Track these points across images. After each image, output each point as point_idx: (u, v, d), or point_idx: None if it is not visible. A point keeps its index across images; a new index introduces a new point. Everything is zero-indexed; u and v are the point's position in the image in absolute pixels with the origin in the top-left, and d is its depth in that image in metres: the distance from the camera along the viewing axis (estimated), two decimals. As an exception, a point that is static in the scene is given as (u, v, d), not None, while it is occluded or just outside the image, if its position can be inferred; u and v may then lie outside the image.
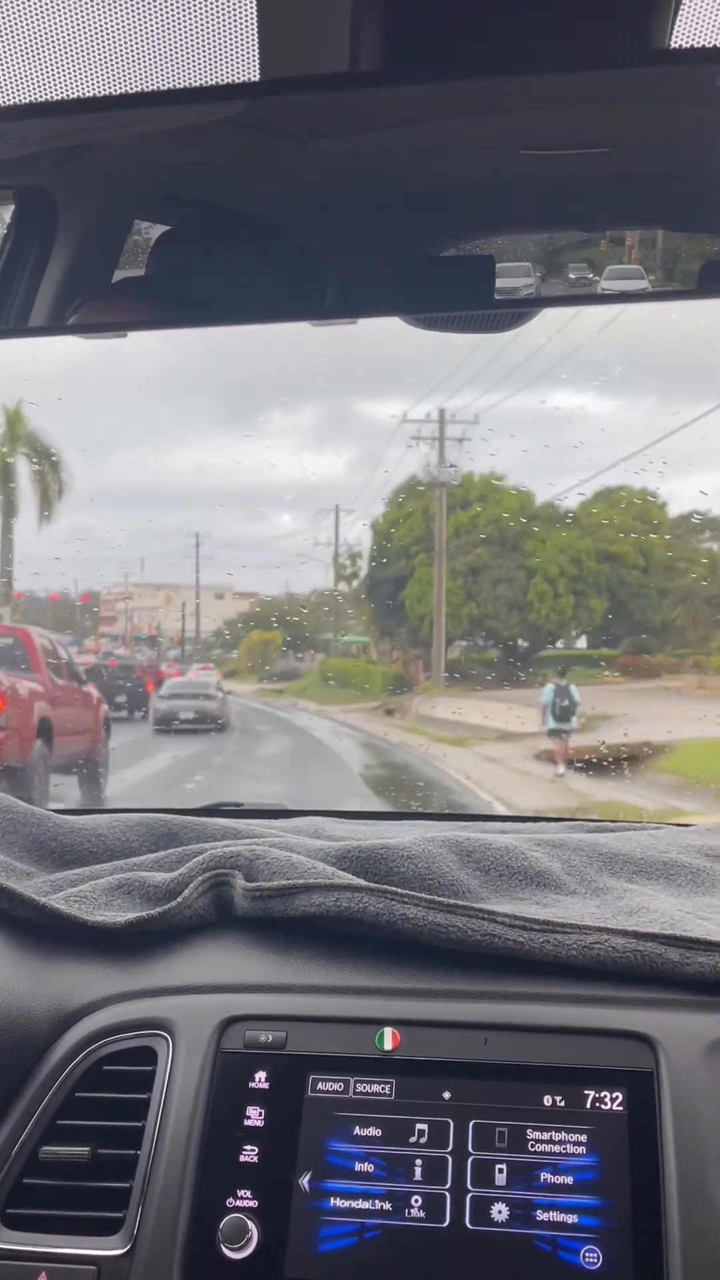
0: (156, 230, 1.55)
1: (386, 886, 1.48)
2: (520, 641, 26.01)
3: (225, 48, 1.08)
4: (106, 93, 1.16)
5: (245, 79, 1.10)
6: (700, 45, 1.14)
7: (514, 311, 1.52)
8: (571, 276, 1.57)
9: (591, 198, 1.65)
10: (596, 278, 1.55)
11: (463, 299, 1.43)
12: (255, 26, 1.05)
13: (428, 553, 26.56)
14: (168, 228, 1.56)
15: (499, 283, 1.42)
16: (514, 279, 1.48)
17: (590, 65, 1.06)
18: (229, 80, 1.11)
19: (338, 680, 28.55)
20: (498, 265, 1.44)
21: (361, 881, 1.51)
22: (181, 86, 1.12)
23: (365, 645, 30.01)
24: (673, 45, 1.09)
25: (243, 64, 1.09)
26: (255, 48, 1.07)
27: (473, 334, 1.70)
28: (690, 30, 1.09)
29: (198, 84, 1.12)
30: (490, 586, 25.51)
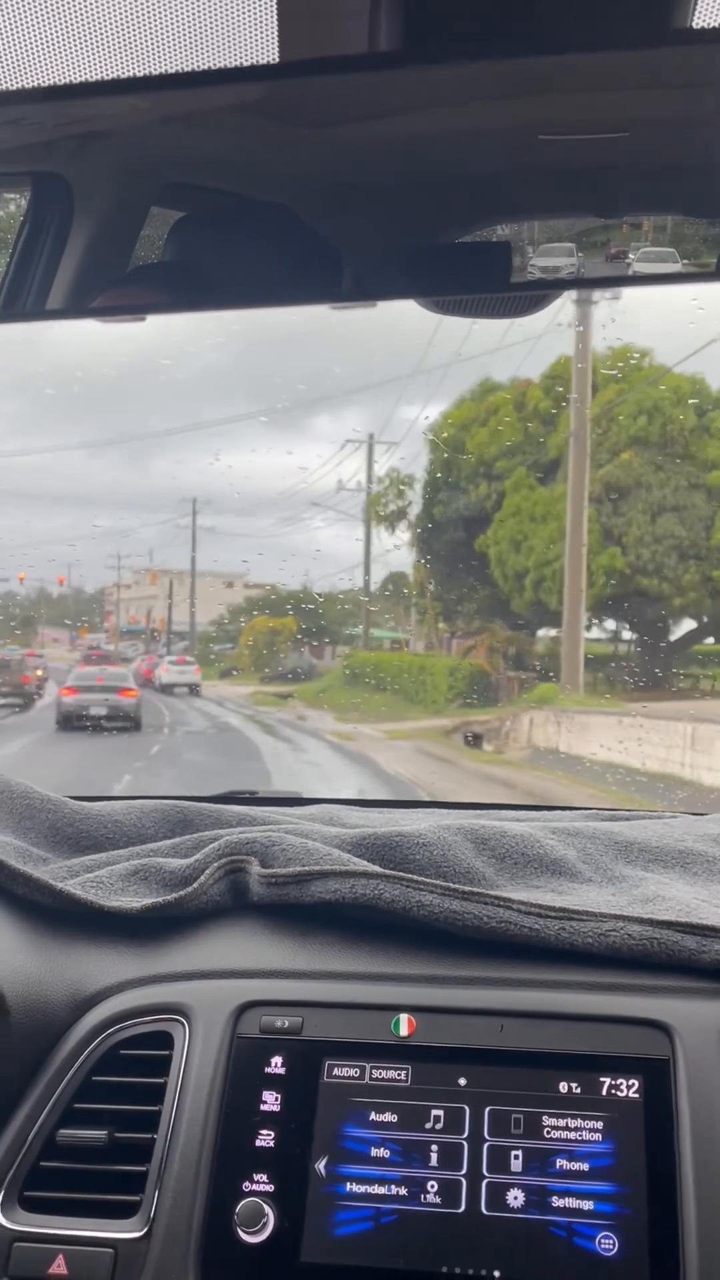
0: (173, 215, 1.55)
1: (402, 874, 1.48)
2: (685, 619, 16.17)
3: (245, 29, 1.07)
4: (124, 75, 1.15)
5: (265, 61, 1.10)
6: (721, 25, 1.13)
7: (533, 295, 1.51)
8: (593, 261, 1.56)
9: (609, 183, 1.64)
10: (623, 259, 1.54)
11: (481, 283, 1.42)
12: (275, 7, 1.05)
13: (534, 468, 17.20)
14: (184, 213, 1.56)
15: (518, 266, 1.42)
16: (538, 263, 1.47)
17: (609, 45, 1.05)
18: (248, 63, 1.11)
19: (373, 680, 20.12)
20: (516, 249, 1.43)
21: (377, 868, 1.51)
22: (200, 69, 1.12)
23: (403, 641, 22.74)
24: (694, 25, 1.08)
25: (262, 46, 1.09)
26: (275, 29, 1.06)
27: (491, 319, 1.69)
28: (712, 9, 1.08)
29: (216, 66, 1.12)
30: (646, 519, 15.89)
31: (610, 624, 18.06)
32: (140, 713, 19.66)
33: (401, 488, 20.44)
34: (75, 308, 1.59)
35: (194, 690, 24.39)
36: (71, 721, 18.96)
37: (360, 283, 1.51)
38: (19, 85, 1.26)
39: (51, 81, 1.25)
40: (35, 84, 1.26)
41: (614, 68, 1.21)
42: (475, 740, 14.96)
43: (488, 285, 1.43)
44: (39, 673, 23.58)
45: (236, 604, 27.79)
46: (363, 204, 1.48)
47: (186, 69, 1.14)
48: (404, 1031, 1.33)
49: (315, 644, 24.73)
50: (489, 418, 18.36)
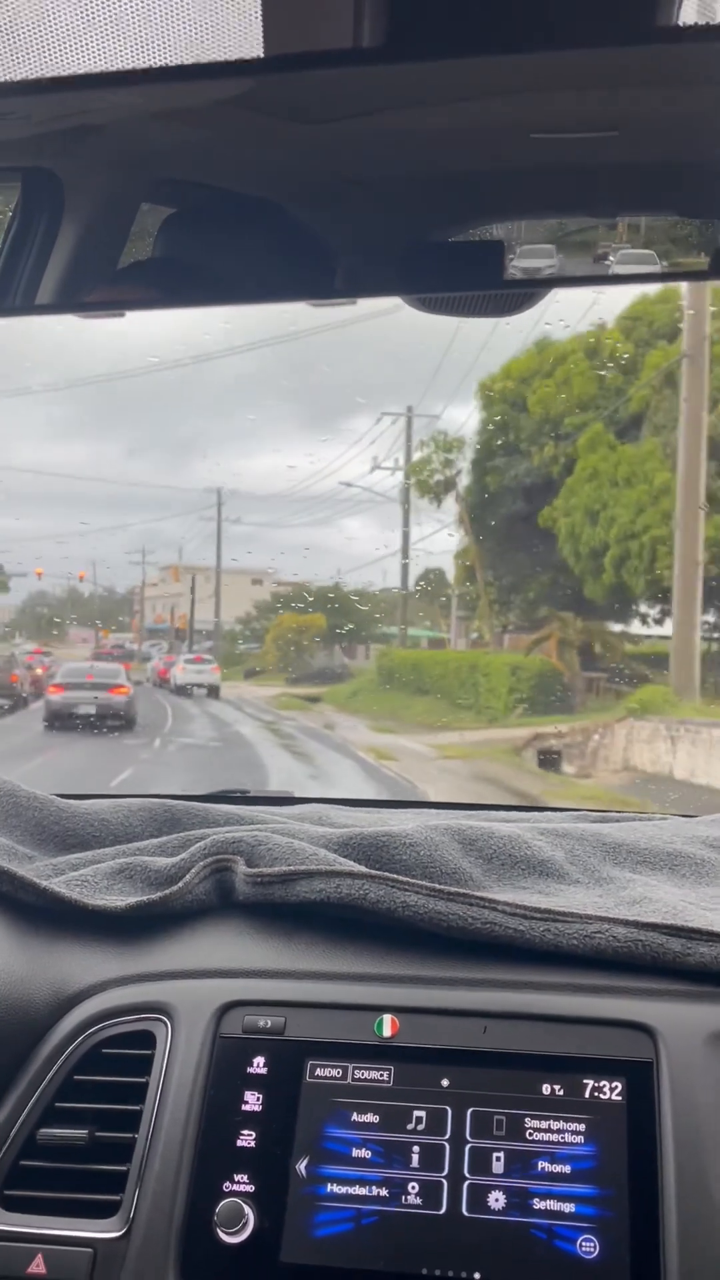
0: (163, 211, 1.55)
1: (387, 874, 1.48)
2: None
3: (230, 24, 1.07)
4: (112, 69, 1.15)
5: (250, 56, 1.10)
6: (708, 23, 1.12)
7: (520, 293, 1.51)
8: (581, 259, 1.56)
9: (599, 182, 1.63)
10: (606, 259, 1.54)
11: (467, 280, 1.42)
12: (259, 2, 1.05)
13: (612, 423, 14.10)
14: (174, 209, 1.56)
15: (507, 264, 1.42)
16: (522, 262, 1.47)
17: (596, 42, 1.04)
18: (234, 57, 1.11)
19: (412, 681, 17.29)
20: (504, 246, 1.43)
21: (362, 869, 1.51)
22: (187, 63, 1.12)
23: (444, 640, 20.11)
24: (680, 23, 1.08)
25: (247, 40, 1.09)
26: (259, 23, 1.06)
27: (477, 318, 1.69)
28: (696, 7, 1.08)
29: (203, 61, 1.12)
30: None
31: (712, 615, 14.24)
32: (133, 711, 18.62)
33: (448, 454, 17.45)
34: (65, 302, 1.58)
35: (212, 692, 22.36)
36: (59, 720, 18.08)
37: (350, 280, 1.50)
38: (6, 78, 1.25)
39: (39, 75, 1.24)
40: (23, 76, 1.26)
41: (602, 65, 1.20)
42: (552, 760, 11.81)
43: (477, 283, 1.43)
44: (39, 671, 22.43)
45: (264, 601, 25.88)
46: (352, 201, 1.47)
47: (174, 63, 1.14)
48: (387, 1032, 1.32)
49: (346, 643, 22.59)
50: (555, 367, 15.47)
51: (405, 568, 19.88)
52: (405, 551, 19.71)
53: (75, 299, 1.59)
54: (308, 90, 1.16)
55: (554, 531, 15.09)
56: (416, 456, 17.89)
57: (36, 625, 28.01)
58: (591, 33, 1.03)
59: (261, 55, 1.09)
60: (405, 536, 19.35)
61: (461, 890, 1.45)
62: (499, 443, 16.51)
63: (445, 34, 1.04)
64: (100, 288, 1.60)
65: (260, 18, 1.05)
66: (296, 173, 1.41)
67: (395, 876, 1.47)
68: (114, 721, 17.98)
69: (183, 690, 22.39)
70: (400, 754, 13.62)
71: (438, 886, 1.45)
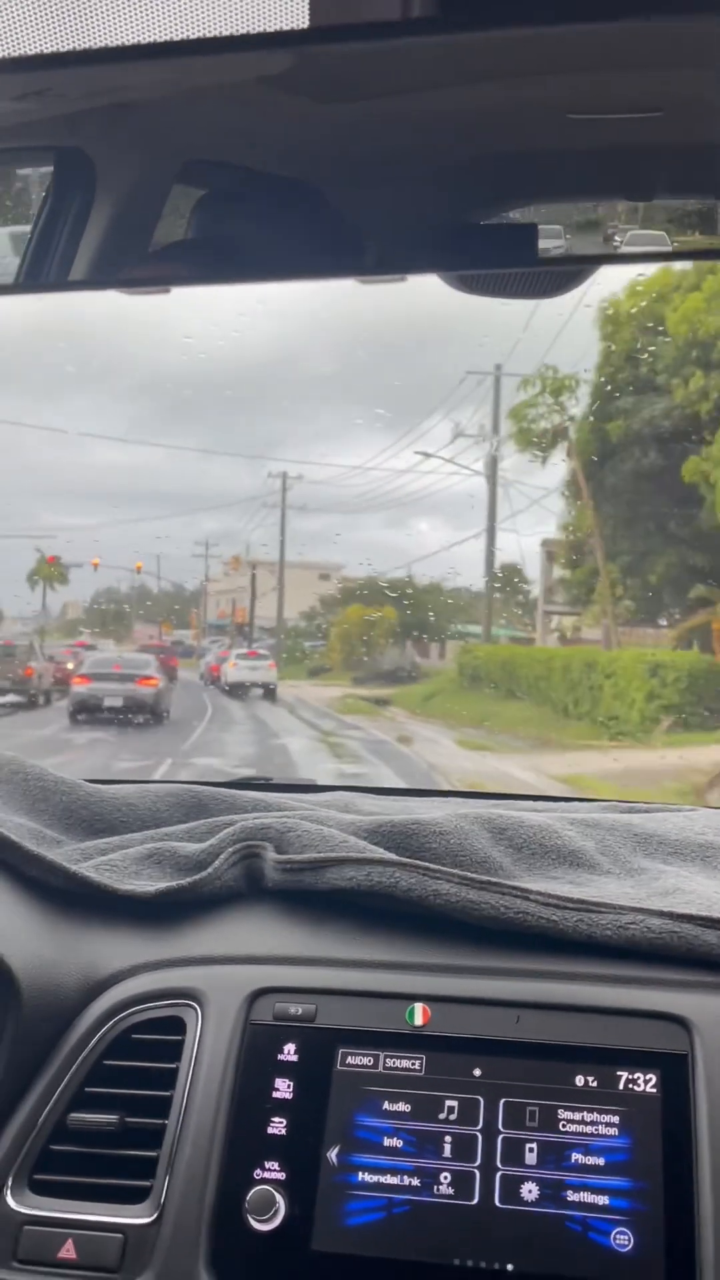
0: (198, 189, 1.53)
1: (418, 861, 1.47)
2: None
3: (274, -8, 1.05)
4: (148, 40, 1.13)
5: (294, 27, 1.08)
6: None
7: (562, 273, 1.49)
8: (621, 239, 1.54)
9: (640, 164, 1.61)
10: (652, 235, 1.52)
11: (506, 259, 1.40)
12: (306, -31, 1.03)
13: None
14: (207, 190, 1.54)
15: (544, 244, 1.40)
16: (561, 241, 1.45)
17: (646, 13, 1.02)
18: (277, 28, 1.08)
19: (501, 683, 14.07)
20: (543, 228, 1.41)
21: (393, 856, 1.50)
22: (228, 34, 1.10)
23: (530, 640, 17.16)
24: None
25: (293, 11, 1.07)
26: (305, -10, 1.04)
27: (519, 299, 1.67)
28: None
29: (245, 32, 1.10)
30: None
31: None
32: (163, 704, 17.54)
33: (558, 396, 13.34)
34: (99, 279, 1.57)
35: (268, 693, 19.92)
36: (84, 712, 17.27)
37: (385, 258, 1.49)
38: (38, 51, 1.23)
39: (75, 47, 1.22)
40: (56, 49, 1.24)
41: (648, 43, 1.18)
42: None
43: (516, 261, 1.41)
44: (69, 666, 20.73)
45: (331, 595, 23.70)
46: (389, 180, 1.46)
47: (214, 34, 1.12)
48: (419, 1021, 1.31)
49: (419, 638, 19.77)
50: (703, 278, 11.84)
51: (491, 550, 16.52)
52: (492, 533, 16.42)
53: (109, 275, 1.58)
54: (350, 64, 1.14)
55: (698, 490, 11.46)
56: (519, 399, 14.32)
57: (103, 621, 27.33)
58: (642, 3, 1.01)
59: (306, 26, 1.07)
60: (492, 510, 15.86)
61: (494, 879, 1.44)
62: (624, 378, 12.73)
63: (495, 5, 1.03)
64: (135, 265, 1.58)
65: (307, -15, 1.04)
66: (334, 151, 1.40)
67: (427, 864, 1.45)
68: (141, 714, 17.16)
69: (235, 690, 20.19)
70: (510, 788, 10.24)
71: (470, 875, 1.44)
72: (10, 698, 19.41)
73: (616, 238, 1.60)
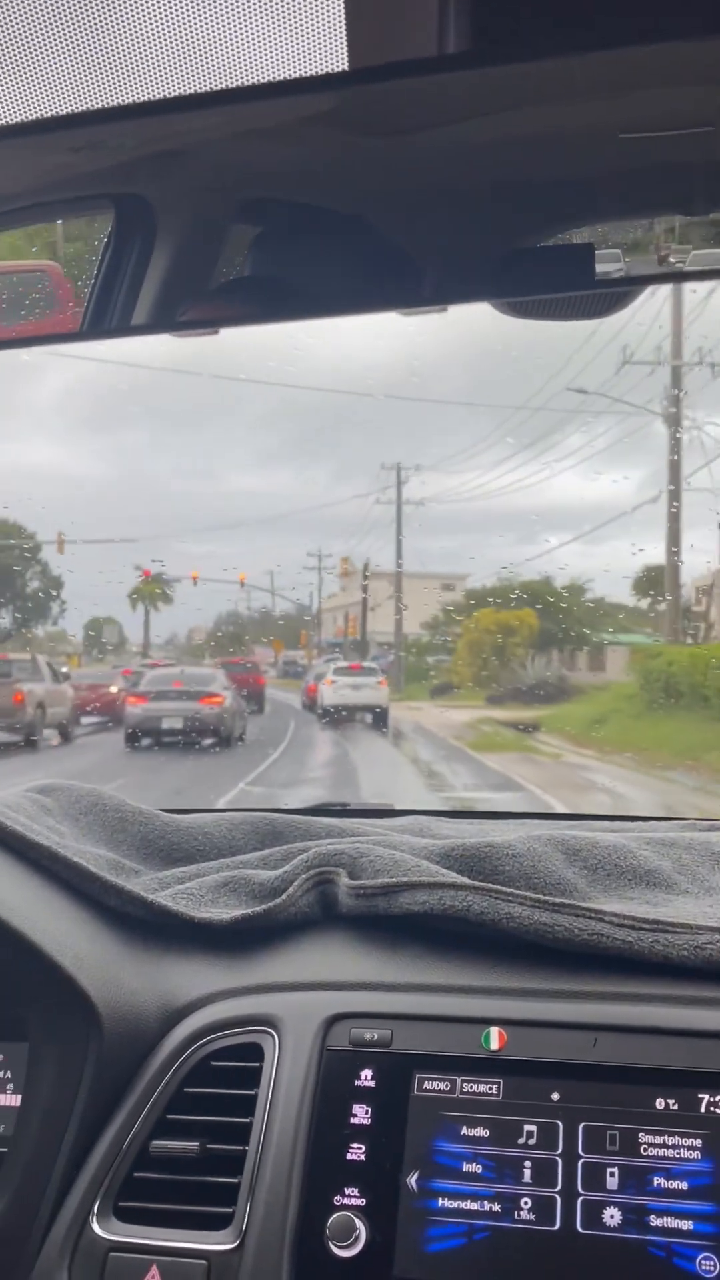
0: (253, 230, 1.57)
1: (491, 885, 1.47)
2: None
3: (314, 38, 1.08)
4: (198, 90, 1.17)
5: (335, 70, 1.11)
6: None
7: (612, 294, 1.49)
8: (671, 257, 1.54)
9: (693, 180, 1.61)
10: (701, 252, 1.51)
11: (557, 282, 1.41)
12: (343, 15, 1.05)
13: None
14: (263, 227, 1.58)
15: (603, 267, 1.40)
16: (611, 263, 1.45)
17: (687, 35, 1.03)
18: (319, 72, 1.11)
19: (713, 700, 10.19)
20: (593, 247, 1.42)
21: (466, 880, 1.50)
22: (273, 80, 1.13)
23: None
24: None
25: (332, 55, 1.09)
26: (344, 37, 1.07)
27: (569, 320, 1.67)
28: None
29: (288, 78, 1.13)
30: None
31: None
32: (233, 725, 15.39)
33: None
34: (160, 322, 1.61)
35: (378, 717, 16.37)
36: (142, 736, 15.15)
37: (440, 287, 1.50)
38: (99, 105, 1.28)
39: (129, 100, 1.27)
40: (114, 103, 1.29)
41: (695, 59, 1.18)
42: None
43: (567, 284, 1.42)
44: (113, 689, 18.02)
45: (458, 602, 20.32)
46: (440, 209, 1.47)
47: (260, 80, 1.15)
48: (495, 1045, 1.31)
49: (572, 646, 15.87)
50: None
51: (674, 519, 13.06)
52: (677, 492, 13.16)
53: (170, 319, 1.62)
54: (394, 101, 1.16)
55: None
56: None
57: (222, 645, 25.44)
58: (682, 25, 1.01)
59: (346, 69, 1.09)
60: (675, 462, 12.79)
61: (567, 901, 1.43)
62: None
63: (532, 35, 1.04)
64: (194, 306, 1.62)
65: (345, 31, 1.06)
66: (384, 184, 1.42)
67: (499, 887, 1.45)
68: (206, 738, 15.22)
69: (332, 714, 16.37)
70: None
71: (542, 897, 1.43)
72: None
73: (673, 257, 1.59)
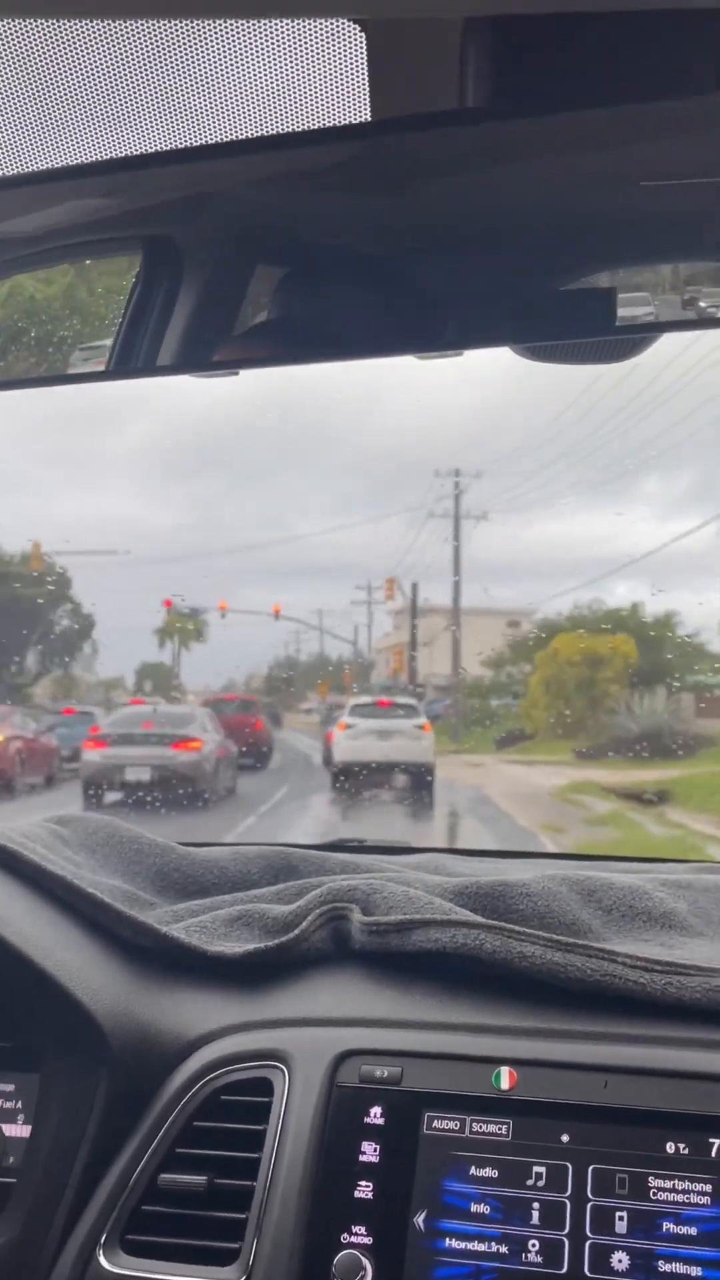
0: (277, 272, 1.60)
1: (504, 924, 1.47)
2: None
3: (337, 91, 1.11)
4: (230, 138, 1.20)
5: (358, 119, 1.14)
6: None
7: (630, 339, 1.51)
8: (689, 301, 1.55)
9: (716, 226, 1.63)
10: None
11: (578, 328, 1.43)
12: (365, 68, 1.09)
13: None
14: (287, 270, 1.61)
15: (626, 312, 1.42)
16: (632, 308, 1.47)
17: (705, 89, 1.05)
18: (342, 122, 1.14)
19: None
20: (613, 292, 1.43)
21: (479, 918, 1.50)
22: (297, 130, 1.16)
23: None
24: None
25: (354, 107, 1.13)
26: (366, 89, 1.10)
27: (588, 365, 1.69)
28: None
29: (312, 128, 1.16)
30: None
31: None
32: (214, 777, 12.27)
33: None
34: (185, 363, 1.64)
35: (418, 779, 12.28)
36: (101, 788, 12.24)
37: (461, 332, 1.53)
38: (132, 151, 1.32)
39: (162, 147, 1.31)
40: (147, 149, 1.33)
41: (707, 110, 1.20)
42: None
43: (588, 330, 1.43)
44: (45, 739, 14.94)
45: (528, 635, 17.02)
46: (459, 256, 1.50)
47: (286, 129, 1.18)
48: (505, 1085, 1.30)
49: (682, 688, 11.66)
50: None
51: None
52: None
53: (194, 359, 1.65)
54: (415, 150, 1.18)
55: None
56: None
57: (273, 688, 23.88)
58: (700, 79, 1.03)
59: (369, 119, 1.12)
60: None
61: (580, 941, 1.43)
62: None
63: (551, 88, 1.06)
64: (218, 348, 1.65)
65: (367, 83, 1.09)
66: (405, 231, 1.44)
67: (512, 926, 1.45)
68: (176, 791, 11.94)
69: (348, 777, 12.29)
70: None
71: (556, 937, 1.43)
72: None
73: (702, 301, 1.61)
